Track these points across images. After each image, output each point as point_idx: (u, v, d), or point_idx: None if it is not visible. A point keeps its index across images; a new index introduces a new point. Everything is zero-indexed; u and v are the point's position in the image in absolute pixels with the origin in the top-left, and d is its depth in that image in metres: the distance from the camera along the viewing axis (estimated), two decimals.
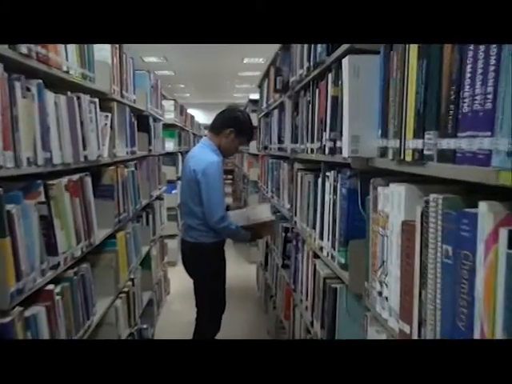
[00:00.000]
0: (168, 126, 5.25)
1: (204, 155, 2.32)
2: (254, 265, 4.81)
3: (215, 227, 2.27)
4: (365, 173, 1.27)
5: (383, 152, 1.02)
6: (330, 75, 1.46)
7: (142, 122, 3.10)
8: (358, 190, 1.31)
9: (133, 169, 2.60)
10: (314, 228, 1.74)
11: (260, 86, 3.94)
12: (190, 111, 9.88)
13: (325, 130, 1.52)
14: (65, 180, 1.57)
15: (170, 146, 4.96)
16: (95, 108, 1.87)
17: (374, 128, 1.09)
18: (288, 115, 2.31)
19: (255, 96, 4.91)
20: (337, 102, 1.39)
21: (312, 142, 1.76)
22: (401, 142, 0.89)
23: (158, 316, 3.60)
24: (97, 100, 1.89)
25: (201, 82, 11.85)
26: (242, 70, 9.56)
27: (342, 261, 1.36)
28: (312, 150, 1.75)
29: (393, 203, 0.95)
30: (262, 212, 2.53)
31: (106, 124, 2.14)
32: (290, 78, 2.25)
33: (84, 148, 1.74)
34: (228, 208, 2.55)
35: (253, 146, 4.81)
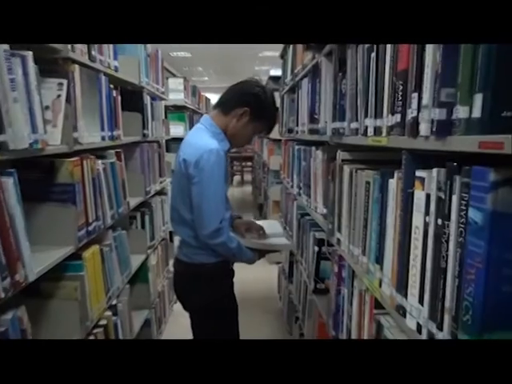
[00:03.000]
0: (177, 108, 4.54)
1: (200, 140, 1.58)
2: (276, 266, 4.10)
3: (207, 243, 1.55)
4: None
5: None
6: None
7: (133, 99, 2.38)
8: None
9: (113, 160, 1.90)
10: (380, 264, 1.00)
11: (283, 56, 3.16)
12: (211, 96, 9.13)
13: (416, 90, 0.76)
14: None
15: (179, 130, 4.24)
16: (24, 65, 1.15)
17: None
18: (327, 81, 1.54)
19: (277, 72, 4.12)
20: None
21: (377, 116, 1.00)
22: None
23: (160, 335, 2.94)
24: (29, 54, 1.18)
25: (219, 64, 11.07)
26: (263, 49, 8.74)
27: None
28: (377, 131, 1.00)
29: None
30: (277, 234, 1.81)
31: (58, 96, 1.43)
32: None
33: None
34: (235, 218, 1.81)
35: (274, 131, 4.05)
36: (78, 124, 1.53)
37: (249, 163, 10.36)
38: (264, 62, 9.96)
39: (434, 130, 0.68)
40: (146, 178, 2.53)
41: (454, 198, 0.67)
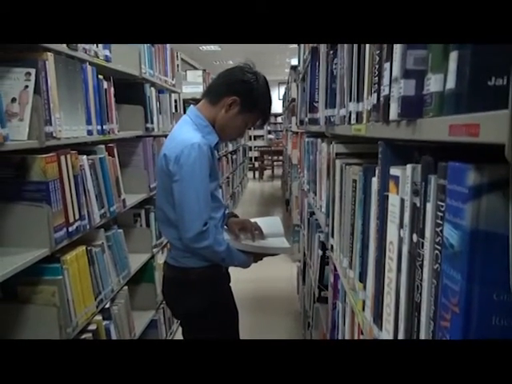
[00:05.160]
0: (198, 102, 4.42)
1: (182, 134, 1.43)
2: (299, 264, 3.91)
3: (191, 247, 1.40)
4: None
5: None
6: None
7: (133, 91, 2.27)
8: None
9: (102, 155, 1.78)
10: (363, 282, 0.80)
11: (299, 43, 2.94)
12: None
13: (388, 59, 0.56)
14: None
15: None
16: None
17: None
18: (322, 62, 1.34)
19: (296, 61, 3.90)
20: None
21: (359, 99, 0.81)
22: None
23: (171, 337, 2.84)
24: None
25: (249, 57, 10.88)
26: None
27: None
28: (358, 116, 0.80)
29: None
30: (276, 234, 1.62)
31: (26, 86, 1.32)
32: None
33: None
34: (230, 216, 1.65)
35: (294, 123, 3.85)
36: (54, 117, 1.41)
37: (280, 157, 10.17)
38: (295, 53, 9.68)
39: (399, 111, 0.48)
40: (150, 173, 2.41)
41: (429, 207, 0.47)
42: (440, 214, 0.45)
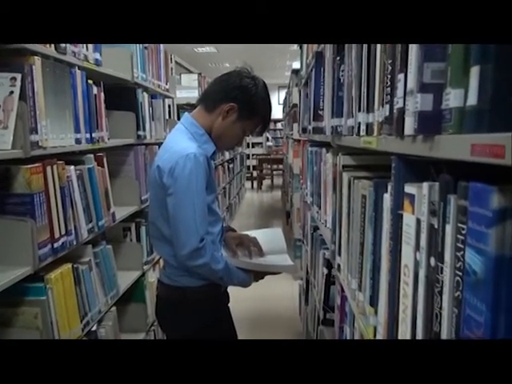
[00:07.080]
0: (193, 107, 4.44)
1: (176, 144, 1.43)
2: (301, 282, 3.89)
3: (186, 265, 1.39)
4: None
5: None
6: None
7: (125, 97, 2.28)
8: None
9: (91, 165, 1.78)
10: (374, 307, 0.80)
11: (301, 46, 2.98)
12: None
13: (402, 70, 0.56)
14: None
15: None
16: None
17: None
18: (328, 68, 1.35)
19: (297, 65, 3.93)
20: None
21: (369, 109, 0.81)
22: None
23: None
24: None
25: (247, 60, 10.96)
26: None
27: None
28: (369, 128, 0.81)
29: None
30: (277, 250, 1.61)
31: (11, 92, 1.32)
32: None
33: None
34: (227, 230, 1.64)
35: (296, 130, 3.86)
36: (40, 125, 1.41)
37: (280, 166, 10.20)
38: (296, 55, 9.77)
39: (416, 126, 0.48)
40: (142, 184, 2.41)
41: (448, 229, 0.47)
42: (461, 237, 0.45)
